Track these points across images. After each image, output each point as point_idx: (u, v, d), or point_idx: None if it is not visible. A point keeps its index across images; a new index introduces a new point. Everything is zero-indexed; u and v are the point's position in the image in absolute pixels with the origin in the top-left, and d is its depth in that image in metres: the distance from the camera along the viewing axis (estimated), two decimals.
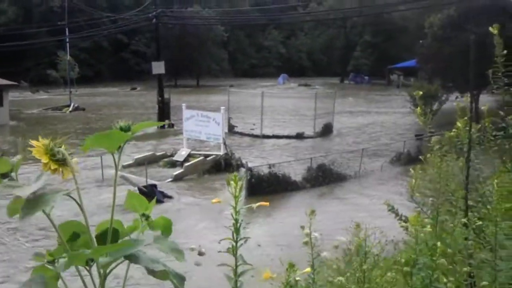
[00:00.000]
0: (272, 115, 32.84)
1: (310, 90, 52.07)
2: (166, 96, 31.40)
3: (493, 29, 3.26)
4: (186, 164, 19.33)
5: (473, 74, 2.89)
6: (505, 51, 3.23)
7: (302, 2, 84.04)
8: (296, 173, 17.57)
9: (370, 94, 54.58)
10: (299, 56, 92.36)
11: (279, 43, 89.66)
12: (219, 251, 1.74)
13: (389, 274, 2.22)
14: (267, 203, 1.68)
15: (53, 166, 1.01)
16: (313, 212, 2.01)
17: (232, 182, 1.59)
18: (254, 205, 1.61)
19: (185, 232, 12.68)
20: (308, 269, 1.90)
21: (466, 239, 2.37)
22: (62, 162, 1.02)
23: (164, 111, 30.76)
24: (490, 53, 3.33)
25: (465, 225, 2.42)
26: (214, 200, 1.81)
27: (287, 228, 11.87)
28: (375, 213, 13.74)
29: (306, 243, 2.04)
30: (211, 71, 71.90)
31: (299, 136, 27.50)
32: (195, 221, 13.84)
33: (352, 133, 29.83)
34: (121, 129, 1.07)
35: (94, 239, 1.08)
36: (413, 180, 2.32)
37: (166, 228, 1.20)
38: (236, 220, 1.63)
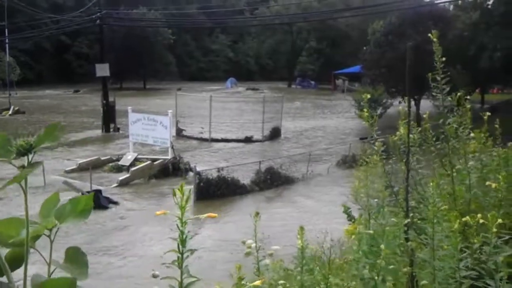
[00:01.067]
0: (221, 118, 32.76)
1: (258, 94, 52.43)
2: (111, 99, 30.62)
3: (433, 36, 3.40)
4: (133, 168, 18.94)
5: (410, 80, 3.02)
6: (443, 58, 3.38)
7: (249, 6, 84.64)
8: (245, 176, 17.62)
9: (317, 99, 55.58)
10: (247, 60, 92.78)
11: (227, 47, 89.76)
12: (163, 264, 1.69)
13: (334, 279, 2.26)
14: (216, 215, 1.67)
15: None
16: (257, 214, 2.01)
17: (177, 192, 1.56)
18: (202, 216, 1.60)
19: (130, 239, 12.44)
20: (258, 282, 1.89)
21: (407, 240, 2.45)
22: None
23: (109, 115, 29.98)
24: (429, 60, 3.49)
25: (406, 225, 2.51)
26: (158, 212, 1.76)
27: (237, 232, 11.87)
28: (322, 215, 14.03)
29: (248, 253, 2.04)
30: (158, 74, 70.88)
31: (248, 140, 27.60)
32: (140, 227, 13.58)
33: (300, 136, 30.26)
34: (19, 151, 0.95)
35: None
36: (356, 183, 2.38)
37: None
38: (182, 232, 1.60)
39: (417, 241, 2.65)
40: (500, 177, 2.50)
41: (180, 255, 1.59)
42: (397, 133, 3.01)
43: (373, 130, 3.17)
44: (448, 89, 3.40)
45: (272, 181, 17.84)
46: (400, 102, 29.19)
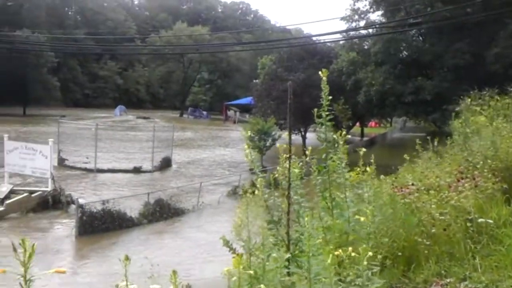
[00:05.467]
0: (108, 148, 31.53)
1: (148, 123, 51.45)
2: None
3: (323, 73, 3.56)
4: (8, 201, 17.38)
5: (291, 117, 3.13)
6: (330, 96, 3.56)
7: (140, 34, 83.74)
8: (133, 208, 16.97)
9: (209, 129, 55.90)
10: (137, 88, 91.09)
11: (116, 73, 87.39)
12: None
13: None
14: (64, 270, 1.53)
15: None
16: (127, 258, 1.89)
17: (20, 249, 1.39)
18: (49, 272, 1.45)
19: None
20: None
21: (288, 274, 2.48)
22: None
23: None
24: (315, 92, 3.67)
25: (287, 259, 2.54)
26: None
27: (120, 268, 11.30)
28: (211, 247, 13.90)
29: None
30: (40, 100, 66.76)
31: (137, 170, 26.74)
32: (14, 267, 12.38)
33: (191, 167, 30.03)
34: None
35: None
36: (238, 220, 2.36)
37: None
38: None
39: (299, 275, 2.68)
40: (368, 211, 2.64)
41: None
42: (278, 168, 3.09)
43: (254, 165, 3.23)
44: (332, 124, 3.59)
45: (161, 213, 17.37)
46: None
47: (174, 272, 1.88)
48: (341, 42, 37.95)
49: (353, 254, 2.21)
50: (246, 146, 3.18)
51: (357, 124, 47.71)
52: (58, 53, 65.48)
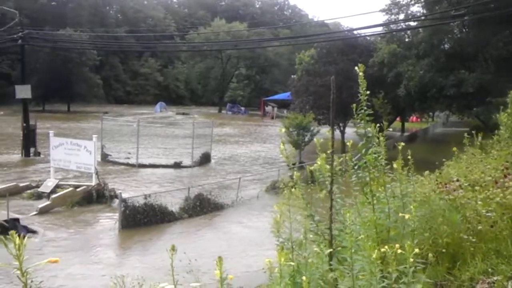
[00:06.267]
0: (149, 143, 32.17)
1: (188, 119, 52.16)
2: (32, 122, 29.20)
3: (359, 68, 3.51)
4: (54, 195, 18.01)
5: (334, 112, 3.11)
6: (368, 92, 3.50)
7: (179, 32, 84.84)
8: (174, 203, 17.26)
9: (246, 125, 56.15)
10: (176, 85, 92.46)
11: (156, 70, 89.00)
12: None
13: None
14: (57, 259, 1.59)
15: None
16: (173, 248, 1.93)
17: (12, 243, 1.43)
18: (42, 263, 1.50)
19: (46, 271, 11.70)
20: None
21: (331, 269, 2.47)
22: None
23: (29, 138, 28.50)
24: (355, 86, 3.62)
25: (329, 255, 2.54)
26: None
27: (164, 260, 11.52)
28: (249, 242, 14.01)
29: None
30: (84, 97, 68.80)
31: (177, 166, 27.18)
32: (60, 259, 12.83)
33: (230, 162, 30.27)
34: None
35: None
36: (278, 215, 2.37)
37: None
38: (25, 284, 1.47)
39: (340, 270, 2.67)
40: (412, 207, 2.59)
41: None
42: (315, 164, 3.08)
43: (289, 162, 3.24)
44: (371, 119, 3.52)
45: (201, 207, 17.59)
46: (328, 132, 30.04)
47: (220, 258, 1.91)
48: (381, 34, 37.22)
49: (399, 251, 2.18)
50: (281, 143, 3.20)
51: (398, 119, 46.82)
52: (100, 51, 67.26)
